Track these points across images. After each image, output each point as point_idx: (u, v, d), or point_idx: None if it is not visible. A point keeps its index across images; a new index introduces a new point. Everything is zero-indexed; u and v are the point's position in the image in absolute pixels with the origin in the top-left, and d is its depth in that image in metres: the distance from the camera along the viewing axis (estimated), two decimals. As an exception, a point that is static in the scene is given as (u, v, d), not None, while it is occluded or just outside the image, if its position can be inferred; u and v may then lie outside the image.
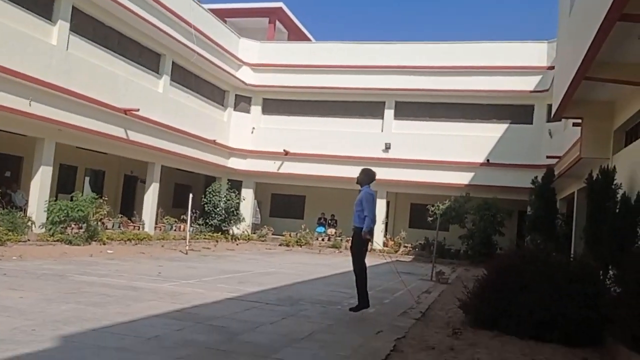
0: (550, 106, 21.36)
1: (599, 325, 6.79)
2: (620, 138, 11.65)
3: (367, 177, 8.08)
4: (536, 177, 17.89)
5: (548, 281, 7.13)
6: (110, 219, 19.80)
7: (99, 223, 17.96)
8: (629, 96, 10.53)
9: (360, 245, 7.91)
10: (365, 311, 8.05)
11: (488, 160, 23.84)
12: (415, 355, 5.78)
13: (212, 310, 7.48)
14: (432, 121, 25.21)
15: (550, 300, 6.96)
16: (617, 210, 8.55)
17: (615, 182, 9.49)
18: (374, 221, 7.97)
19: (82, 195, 17.55)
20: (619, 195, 9.11)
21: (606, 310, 6.73)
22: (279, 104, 27.16)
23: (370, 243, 8.00)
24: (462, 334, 7.02)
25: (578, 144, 12.88)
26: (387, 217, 26.26)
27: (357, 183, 8.16)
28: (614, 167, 9.88)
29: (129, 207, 23.30)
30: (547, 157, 19.98)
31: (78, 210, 16.39)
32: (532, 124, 23.91)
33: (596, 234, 9.06)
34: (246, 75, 26.48)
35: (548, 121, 22.17)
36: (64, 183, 20.36)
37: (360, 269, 7.90)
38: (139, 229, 20.53)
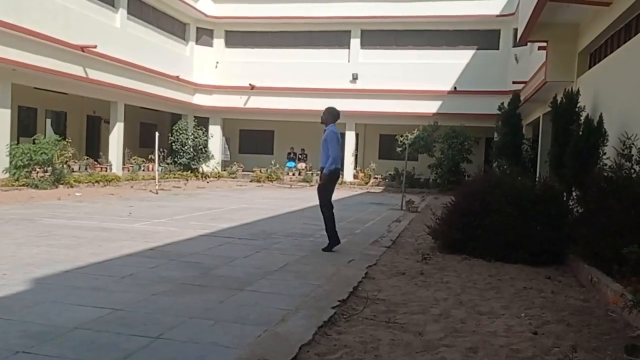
0: (516, 30, 21.25)
1: (562, 244, 7.08)
2: (584, 60, 11.75)
3: (331, 115, 7.96)
4: (503, 104, 18.06)
5: (513, 204, 7.33)
6: (76, 161, 19.45)
7: (65, 166, 17.63)
8: (592, 17, 10.54)
9: (326, 186, 7.76)
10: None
11: (455, 87, 23.88)
12: (386, 281, 5.96)
13: (185, 247, 7.53)
14: (399, 50, 24.96)
15: (515, 222, 7.19)
16: (580, 133, 8.73)
17: (579, 104, 9.65)
18: (338, 161, 7.84)
19: (44, 137, 17.10)
20: (582, 118, 9.29)
21: (569, 229, 7.01)
22: (243, 36, 26.46)
23: (336, 179, 7.87)
24: (431, 259, 7.24)
25: (543, 68, 12.96)
26: (356, 149, 26.38)
27: (321, 123, 8.04)
28: (578, 89, 10.02)
29: (95, 148, 22.88)
30: (514, 82, 20.09)
31: (41, 153, 16.01)
32: (498, 49, 23.88)
33: (560, 157, 9.29)
34: (207, 7, 25.58)
35: (514, 46, 22.16)
36: (25, 126, 19.77)
37: (325, 209, 7.78)
38: (106, 171, 20.26)
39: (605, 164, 7.28)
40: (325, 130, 7.93)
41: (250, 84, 25.39)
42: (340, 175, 7.79)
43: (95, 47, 18.15)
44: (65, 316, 4.25)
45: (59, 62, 17.04)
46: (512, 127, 17.10)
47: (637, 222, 5.53)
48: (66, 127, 22.21)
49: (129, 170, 21.69)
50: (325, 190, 7.84)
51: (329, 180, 7.79)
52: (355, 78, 24.88)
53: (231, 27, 26.38)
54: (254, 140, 29.13)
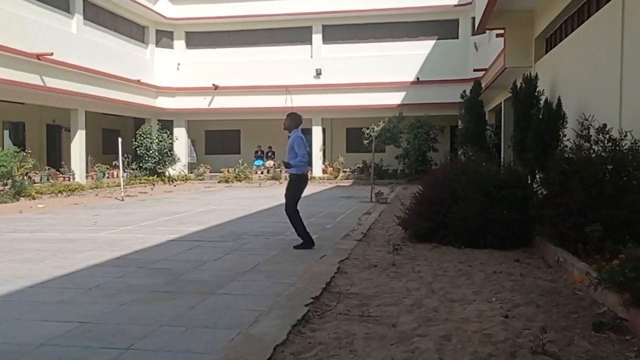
0: (474, 19, 21.55)
1: (529, 227, 7.20)
2: (541, 45, 11.96)
3: (293, 122, 7.90)
4: (465, 92, 18.31)
5: (480, 190, 7.42)
6: (37, 172, 18.97)
7: (25, 178, 17.18)
8: (547, 3, 10.72)
9: (294, 192, 7.68)
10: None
11: (418, 78, 24.07)
12: (359, 274, 5.96)
13: (153, 253, 7.42)
14: (361, 43, 25.03)
15: (482, 208, 7.27)
16: (541, 117, 8.89)
17: (538, 89, 9.81)
18: (306, 163, 7.78)
19: (2, 150, 16.63)
20: (542, 102, 9.45)
21: (534, 212, 7.13)
22: (203, 37, 26.18)
23: (304, 183, 7.80)
24: (402, 249, 7.28)
25: (502, 55, 13.16)
26: (324, 144, 26.40)
27: (284, 129, 7.98)
28: (537, 74, 10.18)
29: (56, 158, 22.35)
30: (474, 70, 20.36)
31: (0, 166, 15.57)
32: (458, 38, 24.15)
33: (522, 141, 9.44)
34: (165, 9, 25.22)
35: (473, 34, 22.40)
36: (-20, 139, 19.20)
37: (292, 214, 7.65)
38: (69, 180, 19.84)
39: (566, 146, 7.42)
40: (289, 136, 7.86)
41: (213, 84, 25.15)
42: (310, 171, 7.76)
43: (51, 54, 17.71)
44: (30, 333, 4.13)
45: (14, 72, 16.57)
46: (475, 115, 17.35)
47: (599, 201, 5.65)
48: (25, 137, 21.66)
49: (92, 179, 21.28)
50: (293, 192, 7.73)
51: (298, 182, 7.74)
52: (319, 73, 24.85)
53: (191, 28, 26.07)
54: (220, 141, 28.90)
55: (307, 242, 7.68)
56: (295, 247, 7.68)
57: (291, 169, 7.66)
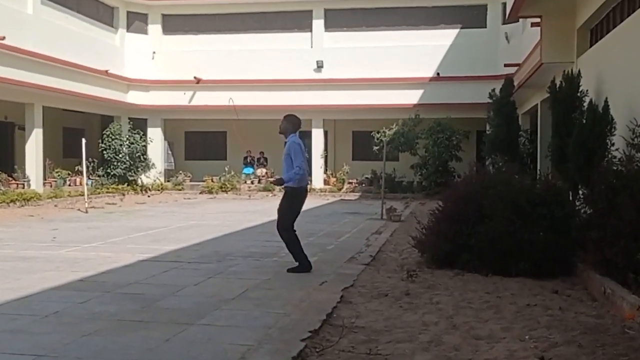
0: (505, 5, 21.66)
1: (569, 252, 7.20)
2: (584, 37, 12.01)
3: (291, 124, 7.94)
4: (494, 90, 18.32)
5: (511, 207, 7.43)
6: (-15, 177, 19.02)
7: (-29, 184, 17.22)
8: (593, -13, 10.79)
9: (291, 208, 7.72)
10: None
11: (438, 73, 24.16)
12: (366, 304, 5.96)
13: (122, 275, 7.43)
14: (370, 31, 25.15)
15: (514, 228, 7.28)
16: (584, 121, 8.91)
17: (580, 88, 9.85)
18: (305, 175, 7.82)
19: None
20: (585, 104, 9.48)
21: (576, 234, 7.13)
22: (184, 21, 26.32)
23: (303, 198, 7.85)
24: (418, 276, 7.28)
25: (538, 48, 13.21)
26: (325, 150, 26.48)
27: (280, 133, 8.01)
28: (579, 71, 10.23)
29: (8, 161, 22.37)
30: (505, 65, 20.42)
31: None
32: (485, 27, 24.27)
33: (562, 149, 9.46)
34: (139, -13, 25.43)
35: (504, 23, 22.54)
36: None
37: (286, 233, 7.69)
38: (23, 187, 19.86)
39: (614, 156, 7.44)
40: (285, 142, 7.89)
41: (195, 77, 25.25)
42: (309, 182, 7.81)
43: (3, 38, 17.80)
44: (-26, 367, 4.13)
45: (-41, 58, 16.67)
46: (506, 118, 17.37)
47: (653, 222, 5.65)
48: (-29, 136, 21.73)
49: (51, 186, 21.30)
50: (289, 209, 7.72)
51: (295, 196, 7.74)
52: (320, 66, 24.95)
53: (169, 10, 26.21)
54: (203, 144, 28.95)
55: (303, 266, 7.68)
56: (289, 270, 7.68)
57: (288, 182, 7.67)
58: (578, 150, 8.69)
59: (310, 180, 24.26)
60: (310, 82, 24.44)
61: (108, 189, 22.99)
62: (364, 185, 25.00)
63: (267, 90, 24.75)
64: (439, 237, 7.89)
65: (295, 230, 7.75)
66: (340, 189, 24.82)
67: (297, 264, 7.72)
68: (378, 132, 23.63)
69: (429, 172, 23.30)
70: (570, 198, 8.26)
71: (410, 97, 24.29)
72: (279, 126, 8.01)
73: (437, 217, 8.18)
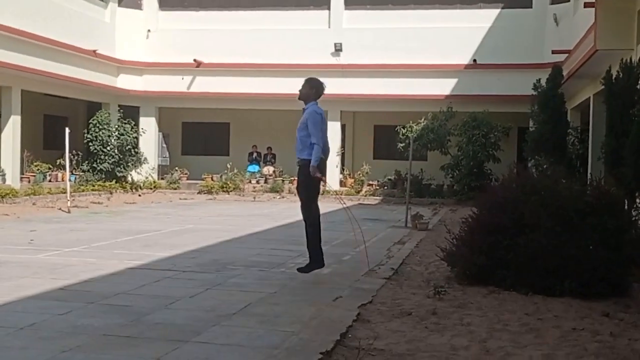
0: (555, -18, 21.58)
1: (623, 270, 7.16)
2: (646, 21, 11.94)
3: (312, 89, 8.03)
4: (539, 81, 18.25)
5: (556, 217, 7.40)
6: (-46, 170, 19.20)
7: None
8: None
9: (308, 184, 7.95)
10: (318, 272, 8.20)
11: (475, 60, 24.10)
12: (386, 324, 5.96)
13: (108, 284, 7.48)
14: (396, 10, 25.13)
15: (559, 240, 7.24)
16: (644, 118, 8.86)
17: (641, 80, 9.79)
18: (325, 150, 8.00)
19: None
20: (646, 98, 9.43)
21: (632, 249, 7.09)
22: (184, -5, 26.48)
23: (323, 181, 8.09)
24: (447, 293, 7.26)
25: (592, 32, 13.14)
26: (342, 146, 26.49)
27: (299, 99, 8.12)
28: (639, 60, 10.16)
29: (-20, 152, 22.59)
30: (553, 52, 20.34)
31: None
32: (531, 7, 24.16)
33: (617, 151, 9.41)
34: (132, -47, 25.61)
35: (552, 3, 22.45)
36: None
37: (312, 216, 7.96)
38: (-3, 183, 20.05)
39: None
40: (304, 109, 7.96)
41: (195, 60, 25.35)
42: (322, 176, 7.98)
43: (-23, 11, 17.96)
44: (-61, 385, 4.18)
45: None
46: (552, 113, 17.29)
47: None
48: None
49: (29, 182, 21.44)
50: (308, 188, 7.91)
51: (315, 177, 7.88)
52: (338, 49, 24.96)
53: (167, -18, 26.36)
54: (203, 137, 29.06)
55: (315, 261, 7.81)
56: (299, 270, 7.78)
57: (302, 154, 7.82)
58: (636, 152, 8.64)
59: (325, 179, 24.29)
60: (326, 67, 24.40)
61: (94, 186, 23.13)
62: (386, 187, 24.98)
63: (276, 76, 24.77)
64: (471, 249, 7.87)
65: (319, 212, 7.92)
66: (358, 192, 24.81)
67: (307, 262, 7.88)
68: (404, 127, 23.59)
69: (461, 174, 23.22)
70: (626, 207, 8.20)
71: (442, 87, 24.24)
72: (299, 91, 8.12)
73: (470, 227, 8.16)
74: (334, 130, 25.24)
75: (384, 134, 26.94)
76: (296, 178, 8.21)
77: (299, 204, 8.33)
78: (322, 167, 8.01)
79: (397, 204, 21.51)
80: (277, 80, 24.68)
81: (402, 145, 23.04)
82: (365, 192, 24.88)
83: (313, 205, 7.99)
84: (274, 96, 24.49)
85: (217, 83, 25.47)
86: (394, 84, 24.43)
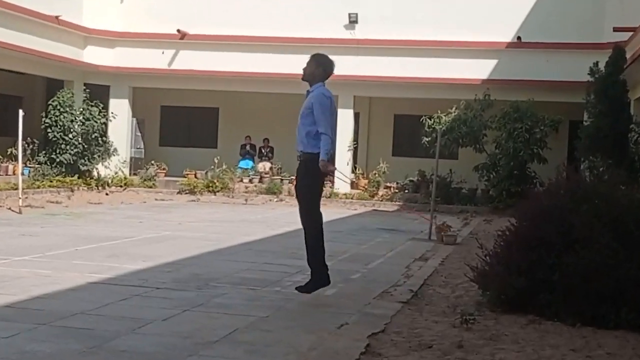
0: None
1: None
2: None
3: (319, 67, 7.98)
4: (596, 64, 18.18)
5: (613, 230, 7.36)
6: None
7: None
8: None
9: (310, 183, 7.88)
10: (320, 292, 8.18)
11: (519, 38, 24.06)
12: (401, 359, 5.94)
13: (65, 302, 7.47)
14: (426, -25, 25.13)
15: (615, 259, 7.21)
16: None
17: None
18: (331, 143, 7.94)
19: None
20: None
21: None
22: (167, -49, 26.49)
23: (329, 178, 8.09)
24: (476, 321, 7.24)
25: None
26: (355, 139, 26.48)
27: (303, 79, 8.07)
28: None
29: None
30: (615, 29, 20.25)
31: None
32: (589, -25, 24.14)
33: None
34: None
35: (615, -30, 22.38)
36: None
37: (313, 221, 7.91)
38: None
39: None
40: (309, 92, 7.91)
41: (179, 31, 25.38)
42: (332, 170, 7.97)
43: None
44: None
45: None
46: (612, 104, 17.23)
47: None
48: None
49: (-27, 174, 21.50)
50: (311, 189, 7.84)
51: (316, 173, 7.82)
52: (353, 21, 24.94)
53: None
54: (186, 125, 29.11)
55: (318, 278, 7.75)
56: (299, 290, 7.74)
57: (306, 147, 7.77)
58: None
59: (333, 180, 24.31)
60: (338, 42, 24.41)
61: (52, 181, 23.12)
62: (407, 191, 24.93)
63: (277, 52, 24.80)
64: (509, 268, 7.84)
65: (321, 219, 7.91)
66: (373, 196, 24.79)
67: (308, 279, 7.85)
68: (430, 118, 23.56)
69: (499, 176, 23.16)
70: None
71: (478, 69, 24.23)
72: (303, 69, 8.03)
73: (508, 241, 8.13)
74: (345, 120, 25.29)
75: (406, 125, 26.94)
76: (295, 175, 8.16)
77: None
78: (331, 163, 8.00)
79: (419, 211, 21.48)
80: (277, 57, 24.67)
81: (427, 139, 23.00)
82: (382, 196, 24.85)
83: (315, 210, 7.95)
84: (274, 76, 24.49)
85: (205, 59, 25.45)
86: (420, 64, 24.40)
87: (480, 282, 8.27)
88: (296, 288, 8.09)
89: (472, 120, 23.15)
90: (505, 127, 23.00)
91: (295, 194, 8.15)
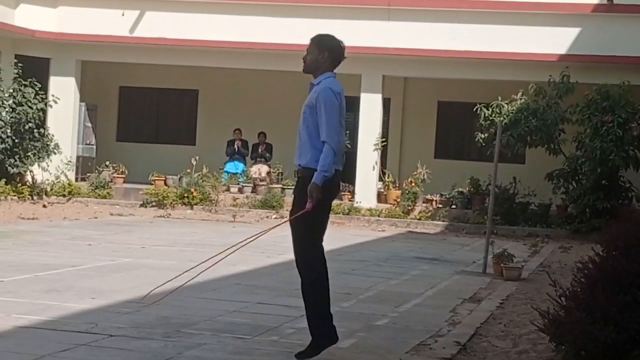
0: None
1: None
2: None
3: (323, 52, 7.91)
4: None
5: None
6: None
7: None
8: None
9: (311, 210, 7.76)
10: (333, 347, 8.17)
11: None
12: None
13: (-14, 353, 7.49)
14: None
15: None
16: None
17: None
18: (339, 156, 7.82)
19: None
20: None
21: None
22: None
23: (348, 187, 8.05)
24: (548, 386, 7.27)
25: None
26: (384, 135, 26.58)
27: (305, 71, 8.01)
28: None
29: None
30: None
31: None
32: None
33: None
34: None
35: None
36: None
37: (311, 263, 7.83)
38: None
39: None
40: (313, 84, 7.92)
41: (144, -16, 25.52)
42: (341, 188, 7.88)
43: None
44: None
45: None
46: None
47: None
48: None
49: None
50: (311, 222, 7.78)
51: (323, 194, 7.80)
52: (382, -22, 25.05)
53: None
54: (153, 113, 29.20)
55: (324, 335, 7.70)
56: (298, 357, 7.71)
57: (307, 160, 7.75)
58: None
59: (352, 190, 24.31)
60: (362, 3, 24.48)
61: (-30, 188, 23.29)
62: (454, 207, 24.95)
63: (278, 15, 24.92)
64: (592, 314, 7.83)
65: (324, 259, 7.83)
66: (408, 212, 24.79)
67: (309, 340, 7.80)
68: (488, 107, 23.55)
69: (581, 187, 23.15)
70: None
71: (553, 42, 24.27)
72: (303, 58, 7.99)
73: (592, 277, 8.12)
74: (371, 108, 25.37)
75: (455, 116, 27.06)
76: (293, 194, 8.06)
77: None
78: (332, 184, 7.85)
79: (471, 234, 21.49)
80: (279, 22, 24.84)
81: (483, 136, 23.01)
82: (420, 212, 24.86)
83: (314, 250, 7.81)
84: (274, 48, 24.56)
85: (179, 24, 25.54)
86: (473, 33, 24.49)
87: (552, 333, 8.25)
88: (296, 355, 7.89)
89: (544, 111, 23.12)
90: (589, 120, 22.96)
91: (289, 222, 7.95)
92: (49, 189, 25.39)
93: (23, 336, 8.28)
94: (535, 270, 15.15)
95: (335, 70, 7.87)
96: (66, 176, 26.15)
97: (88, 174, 26.71)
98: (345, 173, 7.26)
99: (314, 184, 7.52)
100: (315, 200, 7.51)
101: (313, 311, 7.77)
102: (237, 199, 25.58)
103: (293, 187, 22.73)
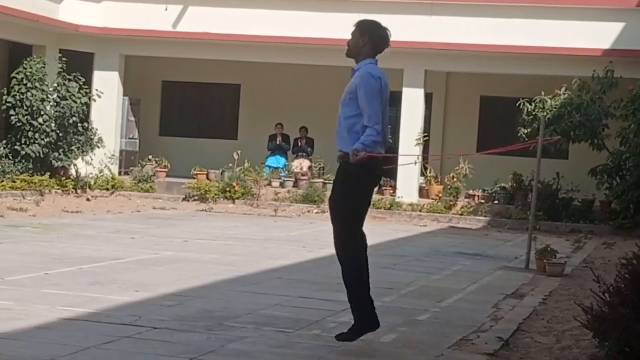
0: None
1: None
2: None
3: (364, 37, 7.93)
4: None
5: None
6: None
7: None
8: None
9: (350, 194, 7.74)
10: (373, 339, 8.16)
11: (657, -7, 23.89)
12: None
13: (30, 345, 7.49)
14: None
15: None
16: None
17: None
18: (382, 140, 7.81)
19: None
20: None
21: None
22: None
23: (389, 182, 8.02)
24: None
25: None
26: (426, 130, 26.49)
27: (348, 55, 8.00)
28: None
29: None
30: None
31: None
32: None
33: None
34: None
35: None
36: None
37: (351, 251, 7.83)
38: None
39: None
40: (354, 70, 7.91)
41: (188, -21, 25.56)
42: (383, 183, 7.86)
43: None
44: None
45: None
46: None
47: None
48: None
49: None
50: (351, 205, 7.79)
51: (362, 182, 7.80)
52: (426, -31, 24.97)
53: None
54: (196, 108, 29.21)
55: (366, 321, 7.70)
56: (338, 338, 7.71)
57: (347, 145, 7.72)
58: None
59: (395, 186, 24.27)
60: (403, 2, 24.42)
61: (14, 181, 23.32)
62: (496, 202, 24.89)
63: (321, 10, 24.91)
64: (637, 311, 7.79)
65: (365, 244, 7.82)
66: (450, 207, 24.75)
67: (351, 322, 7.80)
68: (531, 102, 23.43)
69: (625, 183, 22.98)
70: None
71: (597, 36, 24.12)
72: (347, 43, 7.99)
73: (636, 273, 8.07)
74: (413, 103, 25.35)
75: (497, 111, 26.93)
76: (333, 181, 8.07)
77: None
78: (378, 166, 7.88)
79: (513, 229, 21.38)
80: (321, 16, 24.84)
81: (526, 131, 22.89)
82: (462, 208, 24.83)
83: (354, 237, 7.80)
84: (316, 42, 24.53)
85: (222, 19, 25.55)
86: (517, 28, 24.41)
87: (596, 329, 8.20)
88: (336, 336, 7.95)
89: (588, 106, 22.98)
90: (634, 115, 22.80)
91: (329, 208, 7.94)
92: (92, 183, 25.51)
93: (68, 328, 8.30)
94: (579, 266, 15.08)
95: (375, 56, 7.87)
96: (109, 170, 26.27)
97: (131, 168, 26.81)
98: (377, 166, 7.19)
99: (355, 150, 7.53)
100: (356, 156, 7.51)
101: (354, 297, 7.79)
102: (279, 193, 25.62)
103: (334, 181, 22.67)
